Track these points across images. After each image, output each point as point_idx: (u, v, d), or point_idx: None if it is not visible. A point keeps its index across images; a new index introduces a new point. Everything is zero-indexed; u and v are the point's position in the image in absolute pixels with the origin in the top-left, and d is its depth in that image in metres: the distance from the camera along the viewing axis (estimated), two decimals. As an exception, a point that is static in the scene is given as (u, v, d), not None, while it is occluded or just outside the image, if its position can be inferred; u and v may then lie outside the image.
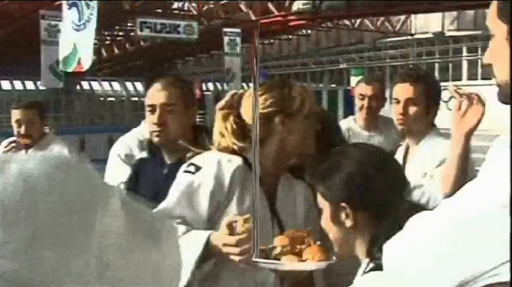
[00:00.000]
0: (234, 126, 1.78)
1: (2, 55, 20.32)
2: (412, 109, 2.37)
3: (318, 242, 1.57)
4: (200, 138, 2.11)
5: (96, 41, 14.65)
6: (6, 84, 24.71)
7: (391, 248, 1.02)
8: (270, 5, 17.63)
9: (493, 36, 1.00)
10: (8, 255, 0.44)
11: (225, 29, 16.02)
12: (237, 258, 1.54)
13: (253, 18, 17.57)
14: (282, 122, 1.75)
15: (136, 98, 25.68)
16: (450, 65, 20.27)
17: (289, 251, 1.56)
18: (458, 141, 1.95)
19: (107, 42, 25.12)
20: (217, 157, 1.74)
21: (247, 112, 1.78)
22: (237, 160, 1.73)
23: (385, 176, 1.33)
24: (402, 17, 20.73)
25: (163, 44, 20.50)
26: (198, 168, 1.72)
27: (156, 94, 2.15)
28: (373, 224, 1.29)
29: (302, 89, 1.80)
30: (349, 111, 15.03)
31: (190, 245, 1.58)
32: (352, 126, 3.54)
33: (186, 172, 1.74)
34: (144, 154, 2.29)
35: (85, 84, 26.27)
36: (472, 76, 18.73)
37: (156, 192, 1.93)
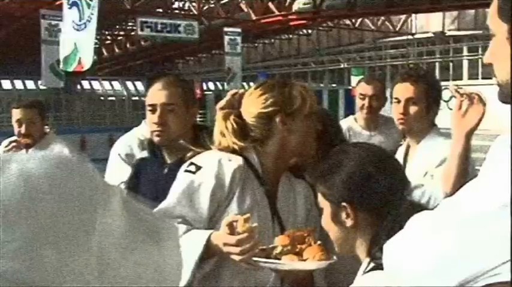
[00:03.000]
0: (235, 125, 1.78)
1: (3, 55, 20.33)
2: (413, 109, 2.37)
3: (319, 242, 1.57)
4: (201, 138, 2.11)
5: (96, 41, 14.65)
6: (6, 84, 24.73)
7: (391, 247, 1.02)
8: (270, 4, 17.61)
9: (493, 35, 0.99)
10: (8, 255, 0.44)
11: (226, 29, 16.04)
12: (237, 257, 1.54)
13: (254, 17, 17.57)
14: (283, 122, 1.74)
15: (136, 98, 25.71)
16: (451, 64, 20.25)
17: (290, 250, 1.56)
18: (458, 140, 1.95)
19: (108, 41, 25.11)
20: (217, 157, 1.73)
21: (247, 112, 1.79)
22: (238, 160, 1.73)
23: (385, 175, 1.33)
24: (403, 17, 20.70)
25: (164, 44, 20.49)
26: (198, 167, 1.72)
27: (157, 94, 2.15)
28: (374, 223, 1.29)
29: (303, 89, 1.79)
30: (349, 111, 15.02)
31: (190, 245, 1.58)
32: (353, 125, 3.55)
33: (186, 171, 1.74)
34: (145, 154, 2.29)
35: (85, 84, 26.26)
36: (472, 76, 18.70)
37: (157, 191, 1.93)
